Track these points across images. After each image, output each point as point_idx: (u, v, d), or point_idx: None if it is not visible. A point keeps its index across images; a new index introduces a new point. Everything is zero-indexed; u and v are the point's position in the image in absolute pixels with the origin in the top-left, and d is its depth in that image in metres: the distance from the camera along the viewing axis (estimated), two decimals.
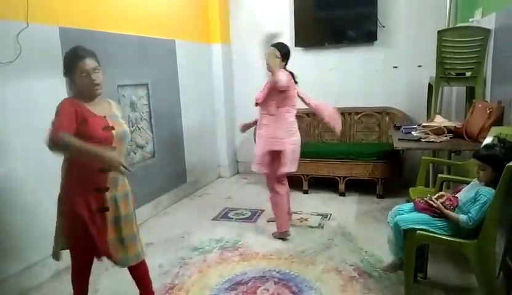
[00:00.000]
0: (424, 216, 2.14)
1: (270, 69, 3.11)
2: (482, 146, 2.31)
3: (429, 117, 3.59)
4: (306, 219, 3.68)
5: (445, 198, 2.17)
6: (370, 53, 4.64)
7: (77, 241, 1.93)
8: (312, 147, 4.57)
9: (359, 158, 4.23)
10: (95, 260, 2.02)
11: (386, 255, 2.68)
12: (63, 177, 1.93)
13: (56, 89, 2.38)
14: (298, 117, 3.44)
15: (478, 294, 2.18)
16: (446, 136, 2.94)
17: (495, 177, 1.96)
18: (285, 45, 3.22)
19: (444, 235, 2.09)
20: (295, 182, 4.13)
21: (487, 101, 3.01)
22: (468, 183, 2.22)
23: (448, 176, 2.97)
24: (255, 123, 3.40)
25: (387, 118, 4.64)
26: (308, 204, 4.07)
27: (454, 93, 4.08)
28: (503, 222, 2.13)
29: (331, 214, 3.77)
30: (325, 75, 4.83)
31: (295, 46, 4.72)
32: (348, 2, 4.62)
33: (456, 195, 2.17)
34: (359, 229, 3.41)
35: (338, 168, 4.28)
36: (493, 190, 1.96)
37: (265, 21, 5.03)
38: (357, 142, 4.79)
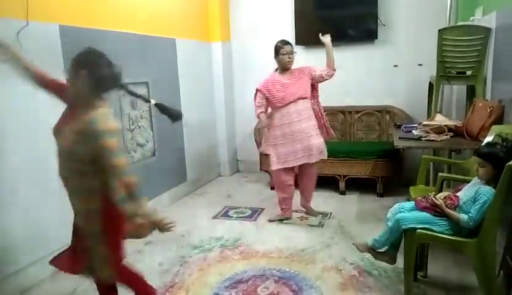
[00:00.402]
0: (425, 215, 2.13)
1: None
2: (483, 144, 2.31)
3: (430, 115, 3.58)
4: (306, 218, 3.68)
5: (446, 197, 2.17)
6: (371, 52, 4.64)
7: None
8: None
9: (360, 156, 4.23)
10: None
11: None
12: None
13: None
14: None
15: (478, 293, 2.18)
16: (446, 135, 2.94)
17: (495, 175, 1.96)
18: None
19: (444, 233, 2.09)
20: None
21: (487, 100, 3.01)
22: (468, 182, 2.22)
23: (449, 175, 2.96)
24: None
25: (387, 117, 4.64)
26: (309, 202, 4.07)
27: (454, 91, 4.08)
28: (503, 221, 2.13)
29: (331, 213, 3.77)
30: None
31: (296, 44, 4.71)
32: (348, 1, 4.61)
33: (457, 194, 2.17)
34: (359, 228, 3.41)
35: (339, 166, 4.28)
36: (493, 190, 1.96)
37: (265, 19, 5.03)
38: (357, 140, 4.79)
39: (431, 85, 3.75)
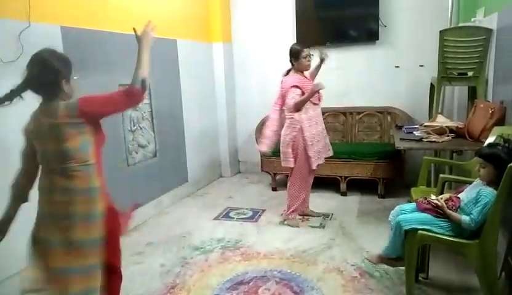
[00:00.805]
0: (427, 216, 2.13)
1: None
2: (485, 144, 2.31)
3: (431, 116, 3.58)
4: (307, 219, 3.68)
5: (447, 198, 2.17)
6: (372, 53, 4.64)
7: None
8: None
9: (361, 158, 4.22)
10: None
11: None
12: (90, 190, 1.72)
13: None
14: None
15: (480, 294, 2.17)
16: (448, 136, 2.93)
17: (496, 176, 1.96)
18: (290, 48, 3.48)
19: (446, 235, 2.08)
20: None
21: (489, 101, 3.00)
22: (469, 183, 2.22)
23: (450, 176, 2.96)
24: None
25: (389, 118, 4.63)
26: (310, 203, 4.05)
27: (456, 92, 4.07)
28: (505, 222, 2.13)
29: (332, 214, 3.77)
30: (327, 74, 4.79)
31: None
32: (349, 2, 4.62)
33: (458, 196, 2.17)
34: (360, 229, 3.41)
35: (340, 167, 4.28)
36: (495, 191, 1.96)
37: (267, 20, 5.04)
38: (358, 142, 4.79)
39: (432, 86, 3.75)
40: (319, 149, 3.51)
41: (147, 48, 1.79)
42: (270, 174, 4.63)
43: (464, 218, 2.02)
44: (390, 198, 4.09)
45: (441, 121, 3.19)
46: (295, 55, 3.40)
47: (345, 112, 4.81)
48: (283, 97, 3.43)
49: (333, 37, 4.75)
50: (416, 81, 4.45)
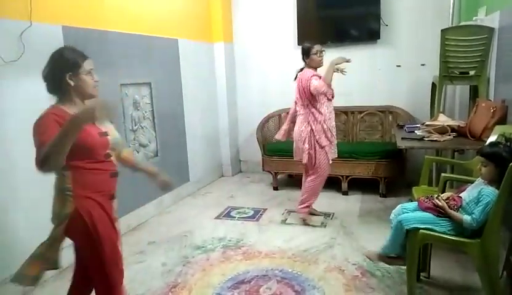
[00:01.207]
0: (429, 215, 2.13)
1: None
2: (486, 143, 2.30)
3: (433, 115, 3.57)
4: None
5: (449, 197, 2.17)
6: (373, 52, 4.63)
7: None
8: None
9: (362, 157, 4.22)
10: None
11: None
12: (69, 189, 1.75)
13: None
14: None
15: (481, 293, 2.17)
16: (449, 135, 2.93)
17: (498, 175, 1.96)
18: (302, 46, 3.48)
19: (447, 234, 2.08)
20: (297, 180, 4.13)
21: (490, 100, 2.99)
22: (471, 182, 2.22)
23: (452, 175, 2.96)
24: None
25: (390, 117, 4.63)
26: None
27: (457, 91, 4.06)
28: (507, 221, 2.12)
29: (334, 213, 3.77)
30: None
31: (298, 44, 4.71)
32: (351, 1, 4.62)
33: (460, 195, 2.17)
34: (361, 228, 3.41)
35: (341, 167, 4.27)
36: (496, 191, 1.96)
37: (268, 20, 5.03)
38: (360, 141, 4.78)
39: (433, 85, 3.74)
40: (334, 143, 3.53)
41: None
42: (271, 173, 4.63)
43: (466, 218, 2.01)
44: (391, 198, 4.09)
45: (443, 120, 3.18)
46: (306, 52, 3.40)
47: (346, 111, 4.80)
48: (303, 90, 3.34)
49: (334, 36, 4.74)
50: (418, 80, 4.44)
